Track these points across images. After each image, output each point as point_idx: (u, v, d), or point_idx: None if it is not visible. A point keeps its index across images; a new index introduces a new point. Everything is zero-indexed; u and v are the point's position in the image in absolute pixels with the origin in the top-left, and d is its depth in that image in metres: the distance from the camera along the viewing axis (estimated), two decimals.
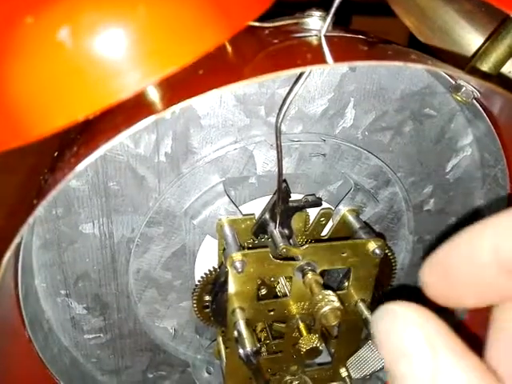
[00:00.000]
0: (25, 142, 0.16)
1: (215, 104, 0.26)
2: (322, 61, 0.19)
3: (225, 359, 0.29)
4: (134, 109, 0.18)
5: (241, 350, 0.24)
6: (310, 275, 0.26)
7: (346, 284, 0.28)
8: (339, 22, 0.24)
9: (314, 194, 0.30)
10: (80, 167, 0.16)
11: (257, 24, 0.21)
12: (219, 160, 0.27)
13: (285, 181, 0.28)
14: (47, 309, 0.29)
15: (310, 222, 0.30)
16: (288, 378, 0.30)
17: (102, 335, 0.31)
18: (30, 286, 0.28)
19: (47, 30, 0.14)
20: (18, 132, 0.16)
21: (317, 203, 0.29)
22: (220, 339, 0.31)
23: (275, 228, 0.27)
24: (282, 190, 0.26)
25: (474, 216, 0.34)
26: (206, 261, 0.30)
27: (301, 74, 0.22)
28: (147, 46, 0.15)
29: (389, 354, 0.16)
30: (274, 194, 0.28)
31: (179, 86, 0.18)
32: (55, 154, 0.23)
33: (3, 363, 0.25)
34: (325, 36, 0.22)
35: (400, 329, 0.16)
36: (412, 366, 0.15)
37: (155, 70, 0.15)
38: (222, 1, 0.16)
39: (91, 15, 0.14)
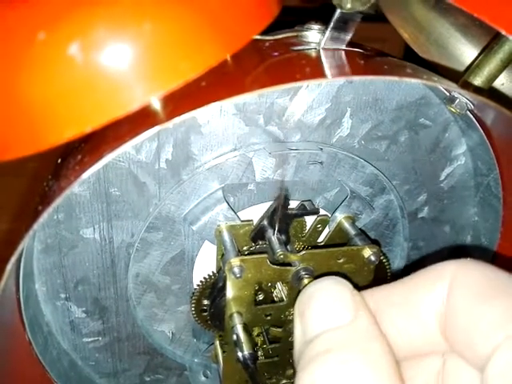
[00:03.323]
0: (36, 151, 0.16)
1: (216, 112, 0.26)
2: (320, 75, 0.19)
3: (222, 363, 0.30)
4: (138, 118, 0.18)
5: (239, 354, 0.25)
6: (306, 281, 0.26)
7: None
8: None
9: (310, 200, 0.30)
10: (85, 175, 0.16)
11: (258, 37, 0.21)
12: (219, 167, 0.28)
13: (286, 189, 0.28)
14: (47, 312, 0.30)
15: (307, 228, 0.30)
16: (284, 381, 0.30)
17: (100, 338, 0.32)
18: (30, 290, 0.28)
19: (58, 46, 0.15)
20: (31, 141, 0.16)
21: (315, 212, 0.29)
22: (217, 343, 0.31)
23: (273, 234, 0.27)
24: (282, 198, 0.27)
25: (467, 223, 0.35)
26: (204, 266, 0.30)
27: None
28: (153, 62, 0.16)
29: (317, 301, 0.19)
30: (274, 200, 0.28)
31: (182, 97, 0.18)
32: (59, 161, 0.23)
33: (4, 366, 0.25)
34: (323, 49, 0.23)
35: (339, 287, 0.19)
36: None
37: (160, 84, 0.16)
38: (225, 17, 0.17)
39: (100, 31, 0.15)
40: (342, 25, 0.24)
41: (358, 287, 0.21)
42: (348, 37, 0.22)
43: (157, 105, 0.19)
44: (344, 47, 0.23)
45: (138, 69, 0.15)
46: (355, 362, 0.16)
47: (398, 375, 0.17)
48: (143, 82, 0.16)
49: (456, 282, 0.17)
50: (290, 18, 0.27)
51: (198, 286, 0.30)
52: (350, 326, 0.18)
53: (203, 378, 0.34)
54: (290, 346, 0.29)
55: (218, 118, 0.26)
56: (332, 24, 0.22)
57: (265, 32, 0.22)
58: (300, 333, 0.20)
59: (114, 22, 0.15)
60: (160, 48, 0.16)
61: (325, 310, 0.19)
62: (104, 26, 0.15)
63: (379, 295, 0.19)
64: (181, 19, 0.16)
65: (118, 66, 0.15)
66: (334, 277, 0.21)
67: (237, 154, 0.28)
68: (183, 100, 0.18)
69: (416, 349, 0.19)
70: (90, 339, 0.31)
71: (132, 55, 0.15)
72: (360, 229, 0.30)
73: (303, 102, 0.27)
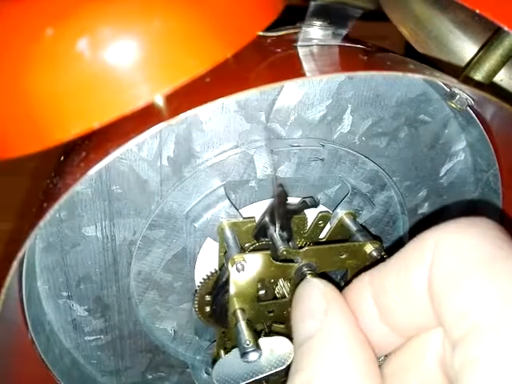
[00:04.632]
0: (43, 148, 0.16)
1: (217, 109, 0.26)
2: (323, 71, 0.19)
3: None
4: (141, 115, 0.18)
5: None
6: (309, 277, 0.26)
7: (343, 286, 0.28)
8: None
9: (311, 197, 0.30)
10: (92, 172, 0.16)
11: (260, 33, 0.22)
12: (220, 164, 0.28)
13: (281, 185, 0.28)
14: (49, 311, 0.30)
15: (309, 225, 0.30)
16: (285, 378, 0.31)
17: (102, 337, 0.32)
18: (32, 288, 0.28)
19: (66, 42, 0.15)
20: (37, 138, 0.16)
21: (313, 205, 0.29)
22: (220, 340, 0.31)
23: (275, 231, 0.27)
24: (280, 194, 0.27)
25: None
26: (206, 263, 0.30)
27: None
28: (161, 58, 0.16)
29: (295, 310, 0.20)
30: (273, 197, 0.28)
31: (186, 94, 0.18)
32: (61, 159, 0.23)
33: (7, 365, 0.25)
34: (325, 46, 0.23)
35: (310, 291, 0.20)
36: (307, 317, 0.19)
37: (167, 81, 0.16)
38: (230, 14, 0.17)
39: (108, 28, 0.15)
40: (339, 20, 0.24)
41: None
42: (344, 32, 0.22)
43: (160, 101, 0.19)
44: (346, 43, 0.23)
45: (145, 65, 0.15)
46: (318, 380, 0.17)
47: (369, 374, 0.17)
48: (151, 78, 0.16)
49: (437, 256, 0.17)
50: (292, 17, 0.28)
51: (201, 283, 0.30)
52: (317, 335, 0.18)
53: (205, 375, 0.34)
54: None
55: (219, 115, 0.26)
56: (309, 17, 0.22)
57: (267, 29, 0.22)
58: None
59: (123, 19, 0.15)
60: (168, 45, 0.16)
61: (299, 321, 0.20)
62: (112, 22, 0.15)
63: (377, 278, 0.19)
64: (188, 16, 0.16)
65: (126, 62, 0.15)
66: (308, 280, 0.22)
67: (238, 151, 0.28)
68: (187, 97, 0.18)
69: (421, 326, 0.18)
70: (91, 337, 0.31)
71: (140, 52, 0.15)
72: (361, 225, 0.30)
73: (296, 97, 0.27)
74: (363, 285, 0.20)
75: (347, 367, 0.17)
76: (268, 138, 0.28)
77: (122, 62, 0.15)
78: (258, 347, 0.25)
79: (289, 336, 0.29)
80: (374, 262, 0.27)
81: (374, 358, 0.18)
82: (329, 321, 0.19)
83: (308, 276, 0.26)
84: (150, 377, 0.34)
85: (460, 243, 0.17)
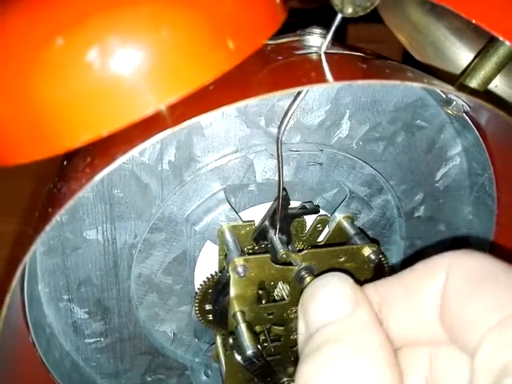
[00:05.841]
0: (51, 155, 0.17)
1: (218, 115, 0.27)
2: (324, 79, 0.20)
3: (224, 362, 0.30)
4: (146, 122, 0.19)
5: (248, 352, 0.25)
6: (308, 279, 0.27)
7: None
8: (335, 30, 0.25)
9: (311, 201, 0.31)
10: (98, 178, 0.17)
11: None
12: (220, 168, 0.28)
13: (284, 189, 0.29)
14: (49, 313, 0.30)
15: (307, 228, 0.31)
16: (285, 379, 0.31)
17: (102, 339, 0.32)
18: (33, 291, 0.28)
19: (76, 51, 0.15)
20: (46, 145, 0.16)
21: (315, 210, 0.30)
22: (219, 342, 0.31)
23: (275, 234, 0.28)
24: (282, 198, 0.28)
25: (462, 222, 0.35)
26: (205, 266, 0.31)
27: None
28: (169, 67, 0.16)
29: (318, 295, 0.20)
30: (274, 201, 0.29)
31: (190, 101, 0.18)
32: (64, 163, 0.23)
33: (9, 367, 0.25)
34: (325, 53, 0.23)
35: (339, 282, 0.20)
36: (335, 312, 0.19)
37: (174, 90, 0.16)
38: (237, 25, 0.17)
39: (117, 37, 0.15)
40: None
41: (360, 284, 0.21)
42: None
43: (165, 108, 0.19)
44: (345, 51, 0.24)
45: (154, 75, 0.16)
46: (347, 356, 0.17)
47: (393, 368, 0.17)
48: (158, 87, 0.16)
49: (452, 273, 0.18)
50: (290, 20, 0.28)
51: (201, 285, 0.30)
52: (348, 319, 0.18)
53: (204, 378, 0.35)
54: (291, 344, 0.29)
55: (220, 120, 0.27)
56: (333, 28, 0.22)
57: None
58: (303, 329, 0.20)
59: (131, 29, 0.15)
60: (176, 54, 0.16)
61: (325, 305, 0.20)
62: (121, 32, 0.15)
63: (383, 290, 0.20)
64: (195, 26, 0.16)
65: (135, 71, 0.16)
66: (335, 273, 0.22)
67: (238, 155, 0.28)
68: (191, 104, 0.19)
69: (415, 338, 0.19)
70: (92, 340, 0.32)
71: (148, 61, 0.16)
72: (359, 228, 0.31)
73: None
74: (369, 293, 0.20)
75: (372, 355, 0.17)
76: (268, 142, 0.28)
77: (131, 71, 0.16)
78: (259, 352, 0.25)
79: (288, 337, 0.29)
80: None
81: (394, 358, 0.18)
82: (359, 310, 0.19)
83: (307, 278, 0.27)
84: (149, 379, 0.35)
85: (472, 264, 0.18)
